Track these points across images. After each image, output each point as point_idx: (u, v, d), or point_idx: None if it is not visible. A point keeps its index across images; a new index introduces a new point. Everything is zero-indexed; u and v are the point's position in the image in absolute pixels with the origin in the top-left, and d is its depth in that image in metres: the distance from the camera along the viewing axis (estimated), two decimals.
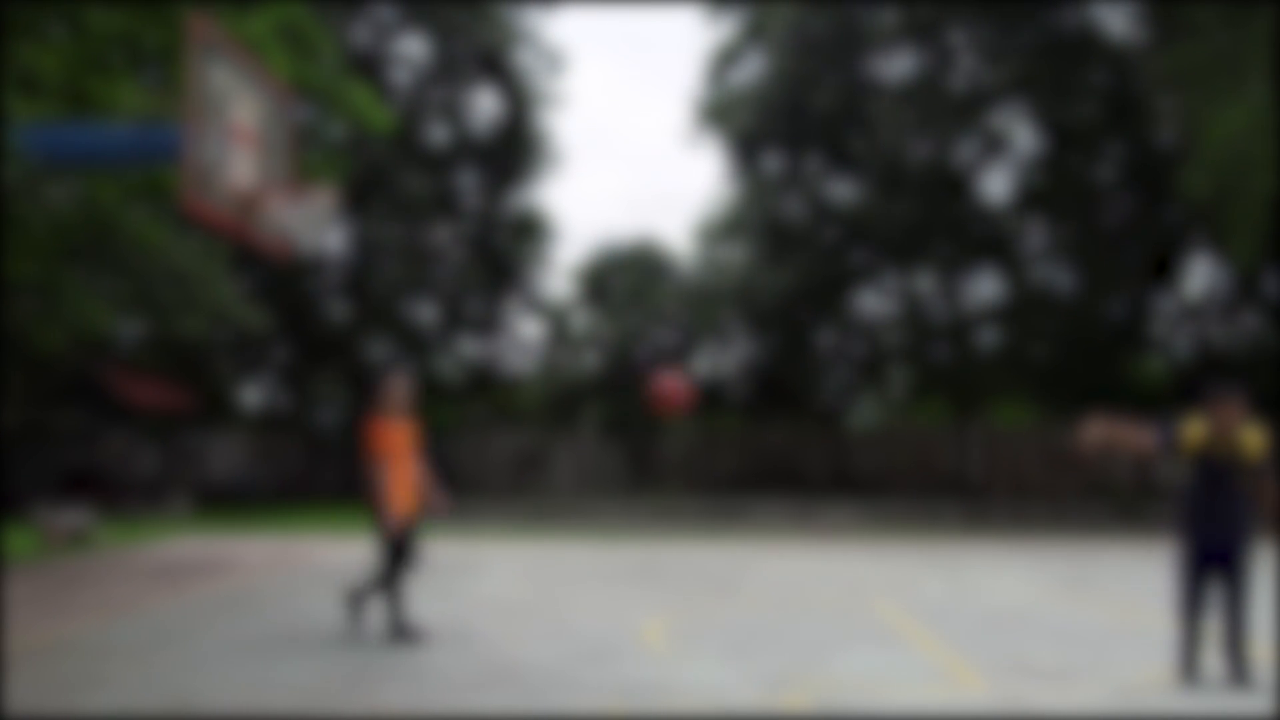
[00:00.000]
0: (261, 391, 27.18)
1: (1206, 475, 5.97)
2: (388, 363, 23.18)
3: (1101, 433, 6.02)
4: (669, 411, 7.67)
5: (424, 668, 6.27)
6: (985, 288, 24.05)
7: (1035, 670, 6.20)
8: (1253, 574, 5.98)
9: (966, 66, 23.49)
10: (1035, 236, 23.70)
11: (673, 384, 7.50)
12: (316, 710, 5.27)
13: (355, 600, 7.23)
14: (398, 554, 6.99)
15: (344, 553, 13.09)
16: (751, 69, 25.14)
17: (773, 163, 25.05)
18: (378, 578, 7.04)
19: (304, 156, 9.25)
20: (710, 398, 25.38)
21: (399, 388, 7.06)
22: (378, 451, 6.89)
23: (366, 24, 25.14)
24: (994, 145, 23.51)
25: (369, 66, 23.42)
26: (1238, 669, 5.88)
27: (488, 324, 26.84)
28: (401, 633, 6.97)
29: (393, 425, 7.01)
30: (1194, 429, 6.04)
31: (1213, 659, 6.16)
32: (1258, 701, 5.43)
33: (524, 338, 27.38)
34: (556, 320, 25.94)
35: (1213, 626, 6.38)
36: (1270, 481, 5.91)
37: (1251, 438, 5.90)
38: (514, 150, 26.28)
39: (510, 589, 9.87)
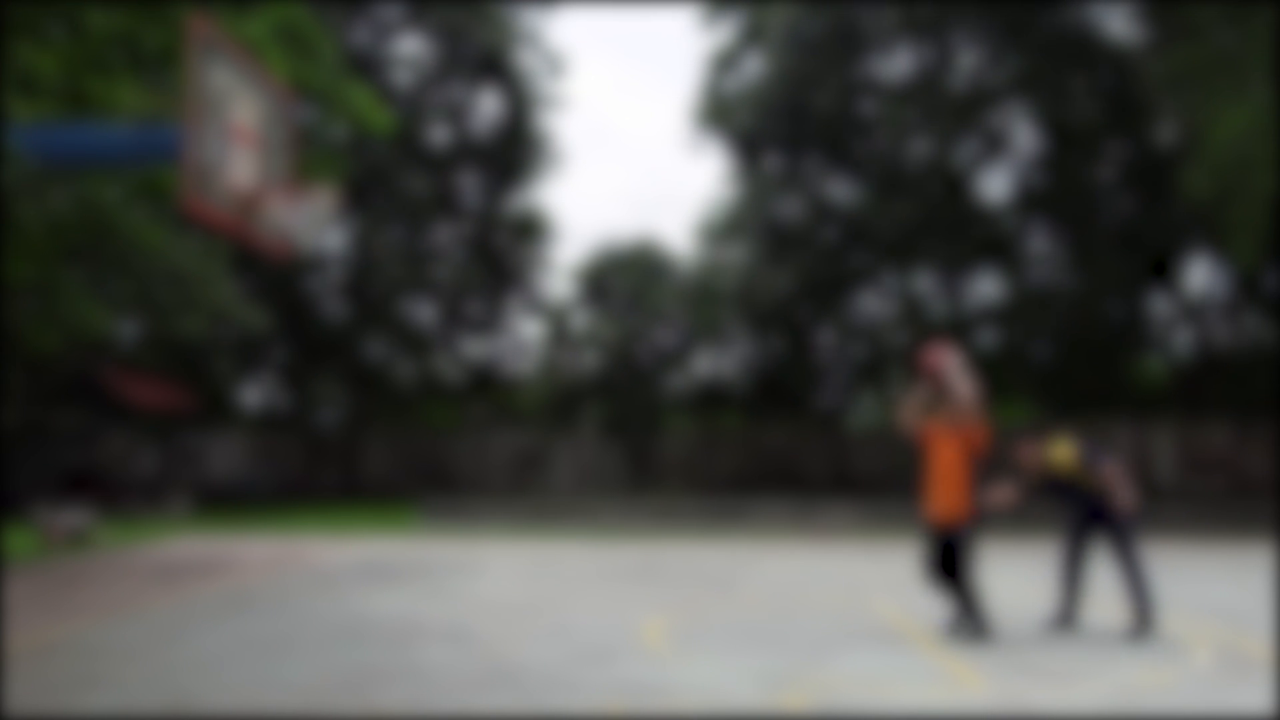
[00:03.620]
0: (261, 391, 27.18)
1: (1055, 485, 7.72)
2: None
3: (1005, 497, 7.68)
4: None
5: (424, 668, 6.27)
6: (985, 288, 24.04)
7: (1035, 670, 6.20)
8: (1137, 536, 7.35)
9: (966, 66, 23.49)
10: (1035, 236, 23.69)
11: (942, 356, 7.54)
12: (316, 710, 5.26)
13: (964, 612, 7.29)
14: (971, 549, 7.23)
15: (344, 553, 13.09)
16: (751, 70, 25.14)
17: (773, 163, 25.04)
18: (966, 574, 7.20)
19: (304, 156, 9.26)
20: (710, 398, 25.40)
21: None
22: (970, 454, 7.38)
23: (366, 24, 25.15)
24: (994, 145, 23.50)
25: (369, 67, 23.43)
26: (1141, 621, 7.14)
27: (488, 324, 26.86)
28: (979, 628, 7.16)
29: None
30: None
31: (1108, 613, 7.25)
32: (1258, 700, 5.43)
33: (524, 338, 27.42)
34: (557, 320, 25.95)
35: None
36: (1023, 483, 7.67)
37: (1057, 453, 7.51)
38: (515, 151, 26.30)
39: (510, 589, 9.87)
